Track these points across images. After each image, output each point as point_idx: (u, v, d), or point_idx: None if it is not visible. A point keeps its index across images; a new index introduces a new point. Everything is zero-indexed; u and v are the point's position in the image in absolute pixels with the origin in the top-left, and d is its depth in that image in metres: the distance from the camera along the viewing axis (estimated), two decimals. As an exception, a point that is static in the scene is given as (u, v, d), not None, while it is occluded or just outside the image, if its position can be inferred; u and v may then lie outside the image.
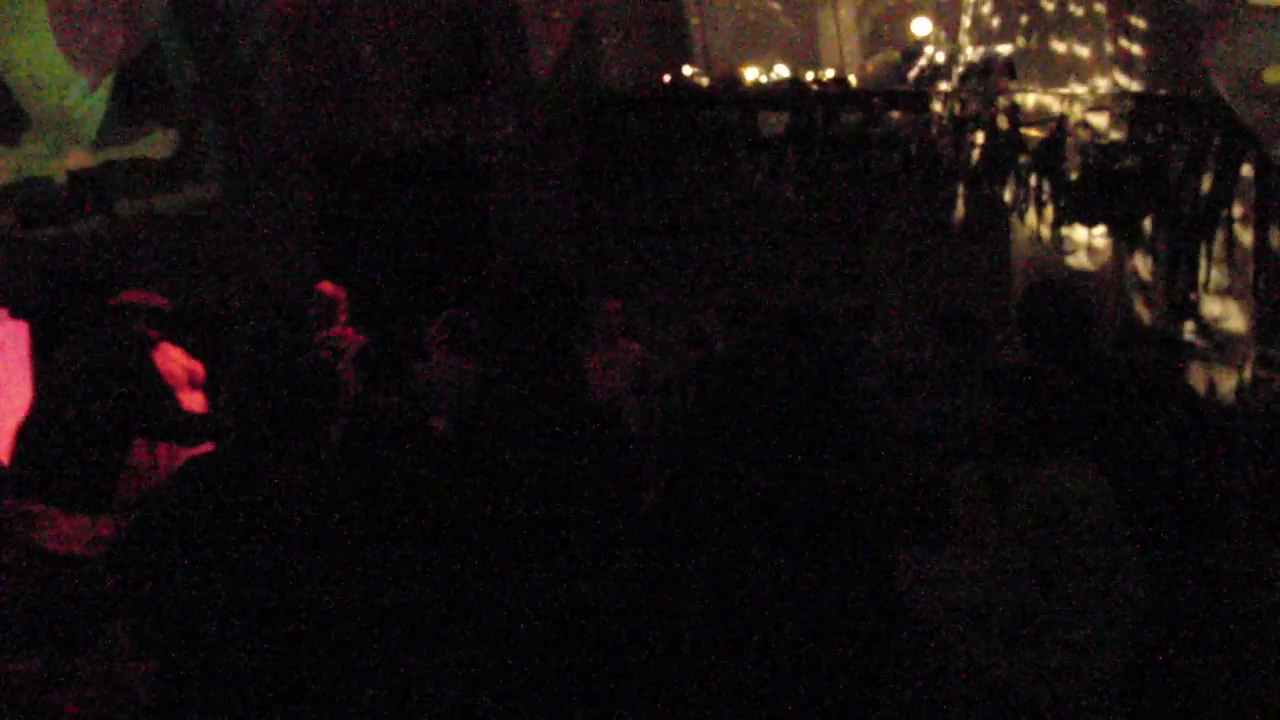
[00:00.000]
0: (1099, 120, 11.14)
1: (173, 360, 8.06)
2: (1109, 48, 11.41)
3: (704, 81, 11.54)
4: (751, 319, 7.66)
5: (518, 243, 11.63)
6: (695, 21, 11.55)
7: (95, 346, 6.71)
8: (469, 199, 11.84)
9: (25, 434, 6.55)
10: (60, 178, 12.05)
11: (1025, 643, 4.09)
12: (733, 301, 8.30)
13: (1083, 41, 11.64)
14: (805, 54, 11.35)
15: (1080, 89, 11.40)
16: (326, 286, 9.26)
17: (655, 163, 11.57)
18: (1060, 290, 5.33)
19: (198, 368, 8.33)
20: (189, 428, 6.70)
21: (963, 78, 11.17)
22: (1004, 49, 11.38)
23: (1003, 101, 10.92)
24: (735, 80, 11.40)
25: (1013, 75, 11.39)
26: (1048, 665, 4.07)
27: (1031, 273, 10.98)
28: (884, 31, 11.22)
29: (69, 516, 6.16)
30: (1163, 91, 10.86)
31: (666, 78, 11.60)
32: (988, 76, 11.32)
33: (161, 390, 6.72)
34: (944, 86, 11.09)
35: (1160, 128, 10.73)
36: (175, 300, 7.57)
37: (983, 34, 11.73)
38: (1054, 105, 11.23)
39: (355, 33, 12.25)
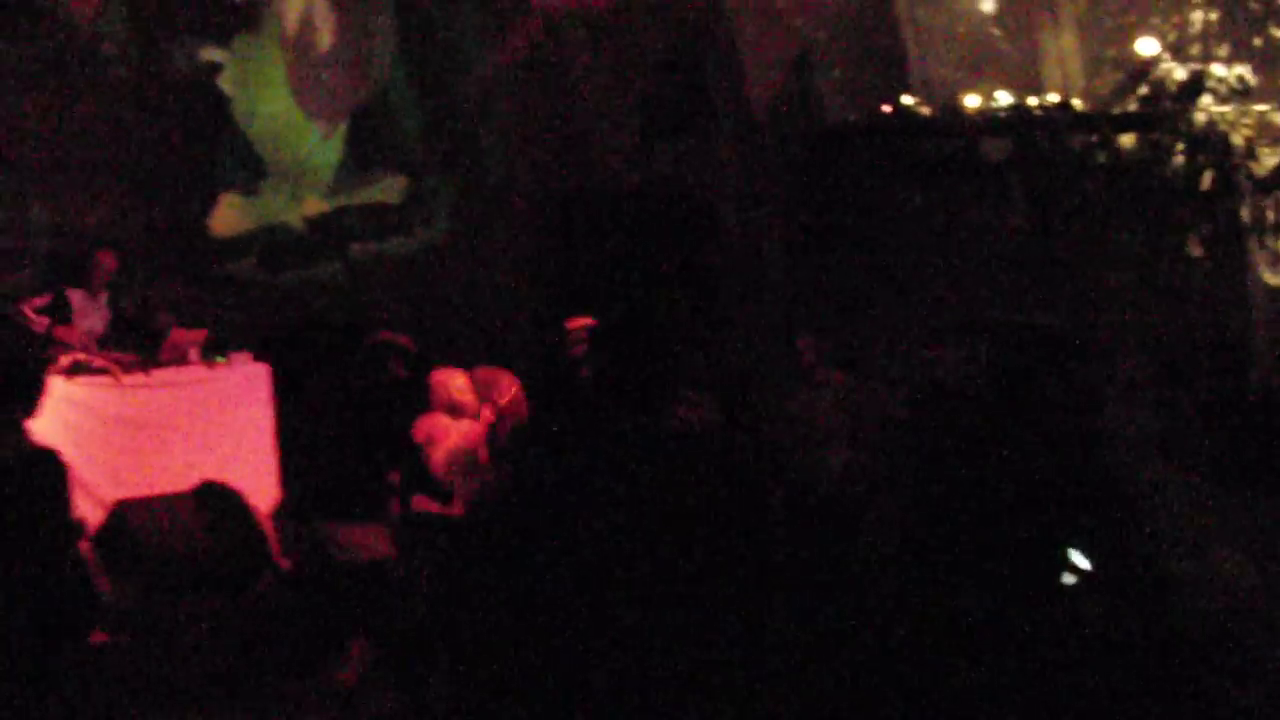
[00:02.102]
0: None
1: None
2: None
3: (924, 110, 11.42)
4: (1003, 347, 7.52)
5: (742, 277, 11.67)
6: (914, 50, 11.47)
7: (356, 380, 7.06)
8: (691, 235, 11.92)
9: (308, 461, 6.94)
10: (298, 224, 12.50)
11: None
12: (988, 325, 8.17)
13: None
14: (1027, 79, 11.17)
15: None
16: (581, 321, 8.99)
17: (876, 194, 11.50)
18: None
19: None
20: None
21: (1193, 97, 10.85)
22: (1237, 69, 11.05)
23: (1235, 120, 10.59)
24: (956, 108, 11.26)
25: (1246, 94, 11.04)
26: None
27: (1271, 298, 10.60)
28: (1108, 53, 10.99)
29: (355, 528, 6.45)
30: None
31: (886, 108, 11.52)
32: (1219, 96, 10.98)
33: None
34: (1174, 107, 10.78)
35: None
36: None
37: (1211, 53, 11.41)
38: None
39: (577, 74, 12.46)
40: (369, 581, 6.06)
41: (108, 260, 9.79)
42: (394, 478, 6.72)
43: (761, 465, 4.93)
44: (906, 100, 11.48)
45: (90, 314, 9.62)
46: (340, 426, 6.73)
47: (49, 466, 4.46)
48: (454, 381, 7.80)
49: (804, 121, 11.75)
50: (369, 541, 6.12)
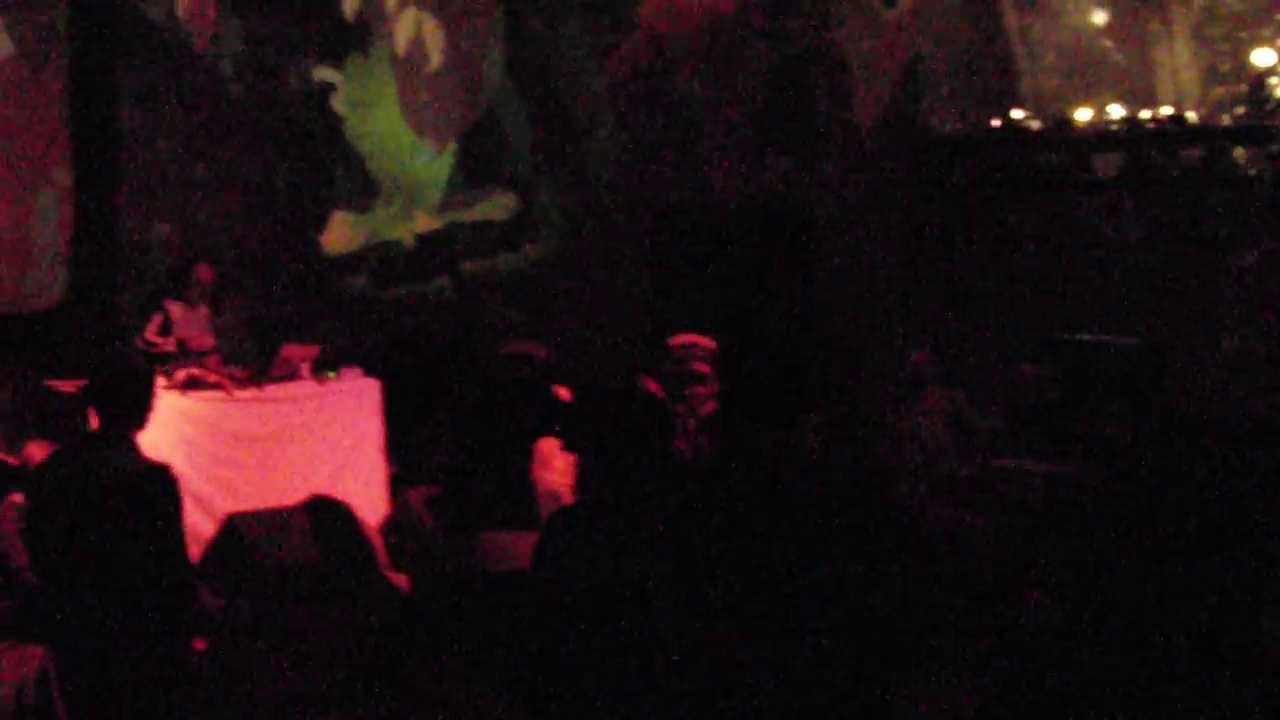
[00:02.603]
0: None
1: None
2: None
3: (1034, 124, 11.29)
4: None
5: (848, 295, 11.62)
6: (1024, 63, 11.36)
7: (492, 388, 7.13)
8: (799, 251, 11.90)
9: (450, 470, 7.01)
10: (409, 241, 12.66)
11: None
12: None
13: None
14: (1140, 91, 11.01)
15: None
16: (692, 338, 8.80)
17: (985, 209, 11.41)
18: None
19: None
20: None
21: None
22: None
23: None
24: (1066, 121, 11.12)
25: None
26: None
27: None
28: (1223, 65, 10.79)
29: (499, 533, 6.51)
30: None
31: (995, 121, 11.41)
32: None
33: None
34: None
35: None
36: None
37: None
38: None
39: (684, 91, 12.50)
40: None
41: (205, 273, 9.94)
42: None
43: (884, 485, 4.90)
44: (1016, 114, 11.38)
45: (190, 325, 9.78)
46: (476, 434, 6.81)
47: (162, 479, 4.55)
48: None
49: (911, 136, 11.68)
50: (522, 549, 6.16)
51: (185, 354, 9.44)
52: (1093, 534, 4.93)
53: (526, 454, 6.84)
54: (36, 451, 7.15)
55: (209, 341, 9.79)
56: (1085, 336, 10.09)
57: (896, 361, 9.84)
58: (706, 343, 7.96)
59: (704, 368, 7.98)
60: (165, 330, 9.62)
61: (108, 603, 4.38)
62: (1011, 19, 11.35)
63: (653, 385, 8.16)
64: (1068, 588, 4.86)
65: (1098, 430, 7.83)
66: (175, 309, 9.73)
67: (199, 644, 4.90)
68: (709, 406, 7.77)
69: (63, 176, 11.09)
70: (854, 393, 10.85)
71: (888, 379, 10.22)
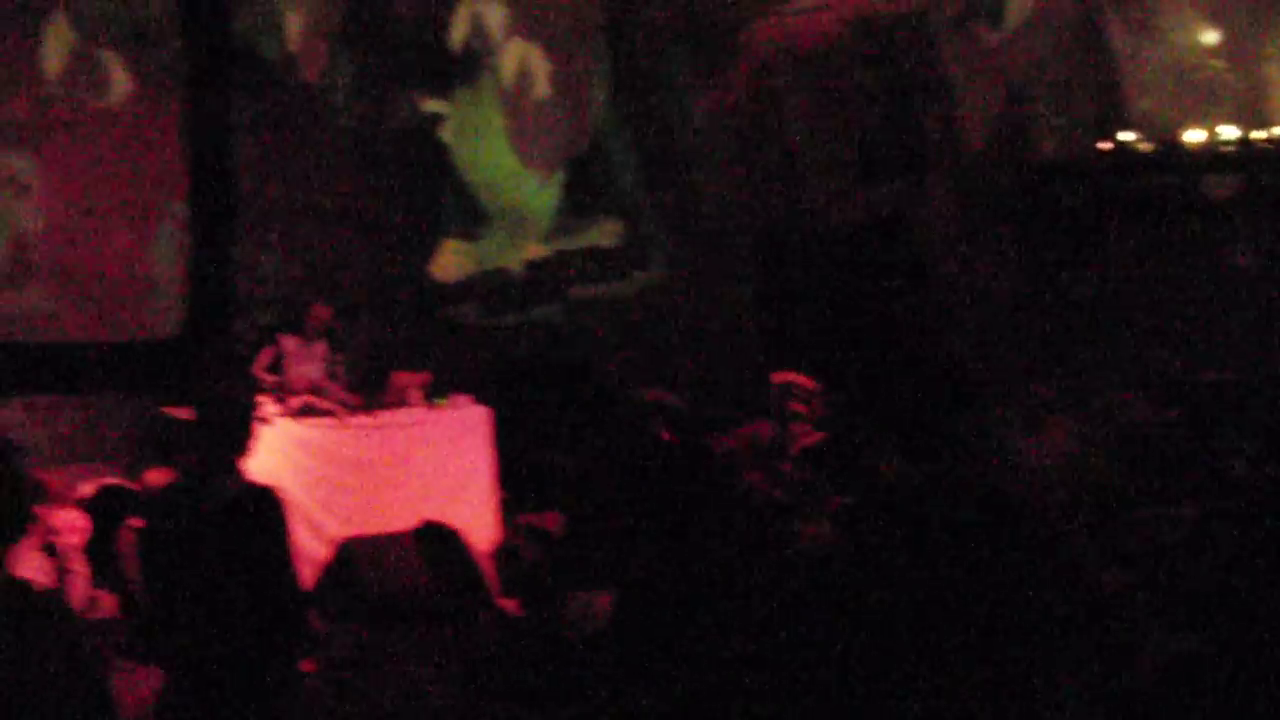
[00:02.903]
0: None
1: None
2: None
3: (1144, 146, 11.16)
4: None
5: (955, 319, 11.54)
6: (1131, 85, 11.23)
7: (620, 437, 7.08)
8: (907, 275, 11.83)
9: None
10: (518, 268, 12.76)
11: None
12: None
13: None
14: (1253, 112, 10.84)
15: None
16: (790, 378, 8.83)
17: (1094, 232, 11.27)
18: None
19: None
20: None
21: None
22: None
23: None
24: (1177, 143, 10.97)
25: None
26: None
27: None
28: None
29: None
30: None
31: (1104, 144, 11.29)
32: None
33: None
34: None
35: None
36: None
37: None
38: None
39: (790, 116, 12.49)
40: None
41: (322, 312, 9.96)
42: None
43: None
44: (1124, 136, 11.25)
45: (304, 360, 9.83)
46: (602, 490, 6.76)
47: (267, 501, 4.64)
48: None
49: (1019, 159, 11.59)
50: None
51: (294, 388, 9.54)
52: (1228, 578, 4.85)
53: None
54: (154, 477, 7.31)
55: (319, 377, 9.85)
56: (1209, 376, 9.91)
57: (1012, 389, 9.74)
58: (804, 382, 8.14)
59: (800, 407, 8.10)
60: (277, 365, 9.73)
61: (216, 624, 4.46)
62: (1119, 40, 11.24)
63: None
64: (1207, 628, 4.77)
65: (1225, 471, 7.67)
66: (289, 343, 9.82)
67: (307, 666, 4.98)
68: (811, 438, 7.86)
69: (180, 209, 11.34)
70: (970, 420, 10.73)
71: (1005, 406, 10.12)
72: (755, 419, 8.79)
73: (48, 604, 3.73)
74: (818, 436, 8.13)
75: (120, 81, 11.26)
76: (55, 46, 10.94)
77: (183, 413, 8.96)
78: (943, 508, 4.26)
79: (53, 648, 3.46)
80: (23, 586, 3.62)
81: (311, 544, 8.83)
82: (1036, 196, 11.47)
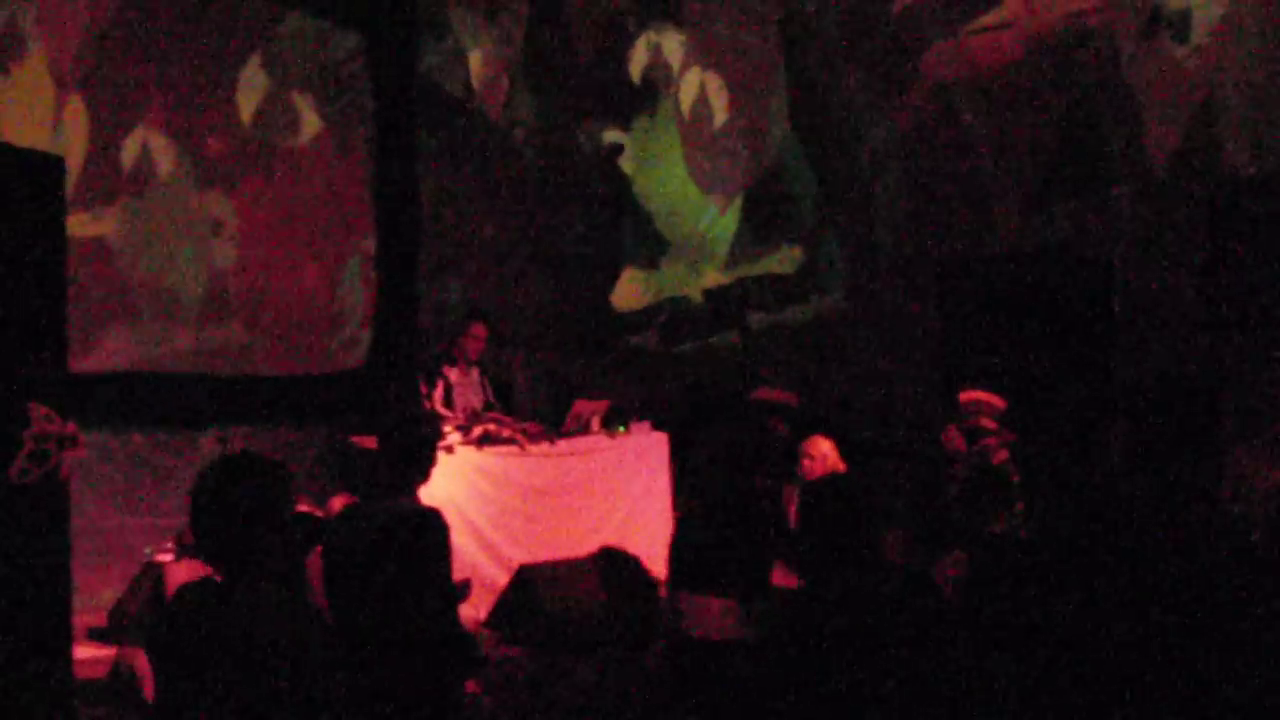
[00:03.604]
0: None
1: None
2: None
3: (1342, 158, 10.78)
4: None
5: (1142, 341, 11.26)
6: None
7: (736, 438, 7.07)
8: (1091, 298, 11.59)
9: (682, 529, 6.94)
10: (697, 296, 12.83)
11: None
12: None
13: None
14: None
15: None
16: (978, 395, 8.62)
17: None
18: None
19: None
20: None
21: None
22: None
23: None
24: (1376, 154, 10.58)
25: None
26: None
27: None
28: None
29: (720, 599, 6.42)
30: None
31: (1300, 157, 10.93)
32: None
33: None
34: None
35: None
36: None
37: None
38: None
39: (972, 136, 12.36)
40: (715, 662, 6.00)
41: (478, 329, 9.86)
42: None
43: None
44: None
45: (466, 391, 9.88)
46: (714, 488, 6.73)
47: (428, 523, 4.76)
48: (818, 448, 7.82)
49: (1209, 176, 11.27)
50: (727, 620, 6.09)
51: (474, 418, 9.66)
52: None
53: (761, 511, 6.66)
54: (338, 504, 7.50)
55: (477, 403, 9.90)
56: None
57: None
58: (992, 399, 8.11)
59: (990, 423, 8.04)
60: (448, 398, 9.81)
61: (381, 644, 4.59)
62: (1313, 50, 10.90)
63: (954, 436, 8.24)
64: None
65: None
66: (452, 375, 9.86)
67: (471, 686, 5.07)
68: (1000, 455, 7.81)
69: (367, 244, 11.67)
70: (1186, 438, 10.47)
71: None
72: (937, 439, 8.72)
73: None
74: (1004, 455, 8.05)
75: (310, 122, 11.64)
76: (249, 89, 11.34)
77: (368, 441, 9.21)
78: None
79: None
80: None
81: (492, 570, 8.99)
82: (1227, 213, 11.14)
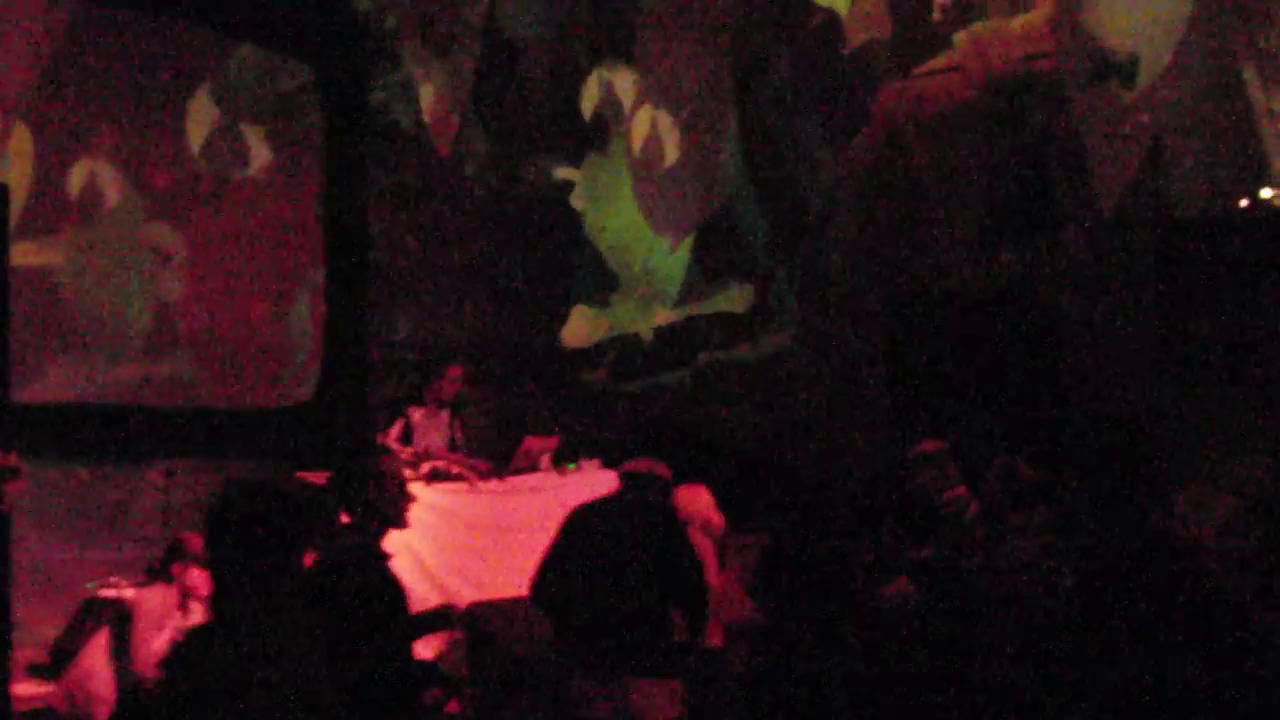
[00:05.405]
0: None
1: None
2: None
3: (1286, 204, 10.90)
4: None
5: (1089, 385, 11.32)
6: (1272, 141, 11.00)
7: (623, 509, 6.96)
8: (1039, 340, 11.66)
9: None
10: (647, 334, 12.81)
11: None
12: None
13: None
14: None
15: None
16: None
17: (1236, 294, 11.00)
18: None
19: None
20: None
21: None
22: None
23: None
24: (1322, 201, 10.71)
25: None
26: None
27: None
28: None
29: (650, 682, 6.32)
30: None
31: (1243, 202, 11.05)
32: None
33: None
34: None
35: None
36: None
37: None
38: None
39: (922, 177, 12.42)
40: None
41: (456, 372, 9.92)
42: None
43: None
44: (1266, 193, 11.00)
45: (430, 432, 9.85)
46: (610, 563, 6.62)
47: (371, 566, 4.69)
48: (702, 499, 7.77)
49: (1156, 218, 11.37)
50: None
51: (424, 455, 9.58)
52: None
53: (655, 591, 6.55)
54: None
55: (442, 448, 9.87)
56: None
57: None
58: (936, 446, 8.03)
59: (953, 469, 7.96)
60: (406, 436, 9.77)
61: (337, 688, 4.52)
62: (1258, 94, 11.01)
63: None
64: None
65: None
66: (416, 415, 9.85)
67: (454, 706, 5.00)
68: (974, 508, 7.71)
69: (316, 275, 11.57)
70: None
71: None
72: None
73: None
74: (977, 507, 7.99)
75: (260, 154, 11.55)
76: (198, 120, 11.25)
77: (317, 478, 9.11)
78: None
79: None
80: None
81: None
82: (1174, 256, 11.24)
